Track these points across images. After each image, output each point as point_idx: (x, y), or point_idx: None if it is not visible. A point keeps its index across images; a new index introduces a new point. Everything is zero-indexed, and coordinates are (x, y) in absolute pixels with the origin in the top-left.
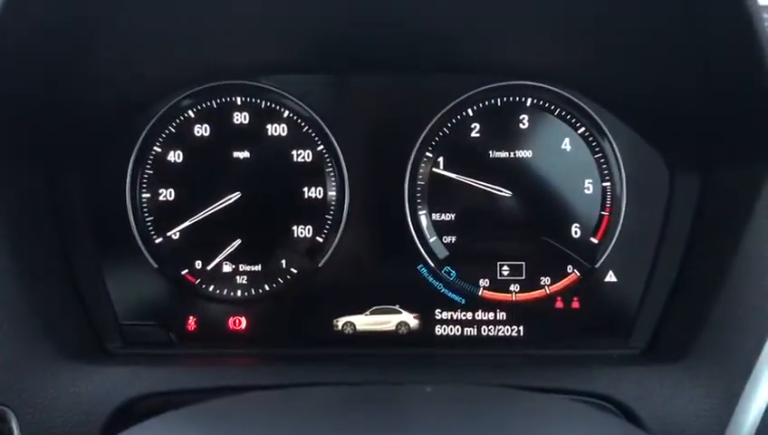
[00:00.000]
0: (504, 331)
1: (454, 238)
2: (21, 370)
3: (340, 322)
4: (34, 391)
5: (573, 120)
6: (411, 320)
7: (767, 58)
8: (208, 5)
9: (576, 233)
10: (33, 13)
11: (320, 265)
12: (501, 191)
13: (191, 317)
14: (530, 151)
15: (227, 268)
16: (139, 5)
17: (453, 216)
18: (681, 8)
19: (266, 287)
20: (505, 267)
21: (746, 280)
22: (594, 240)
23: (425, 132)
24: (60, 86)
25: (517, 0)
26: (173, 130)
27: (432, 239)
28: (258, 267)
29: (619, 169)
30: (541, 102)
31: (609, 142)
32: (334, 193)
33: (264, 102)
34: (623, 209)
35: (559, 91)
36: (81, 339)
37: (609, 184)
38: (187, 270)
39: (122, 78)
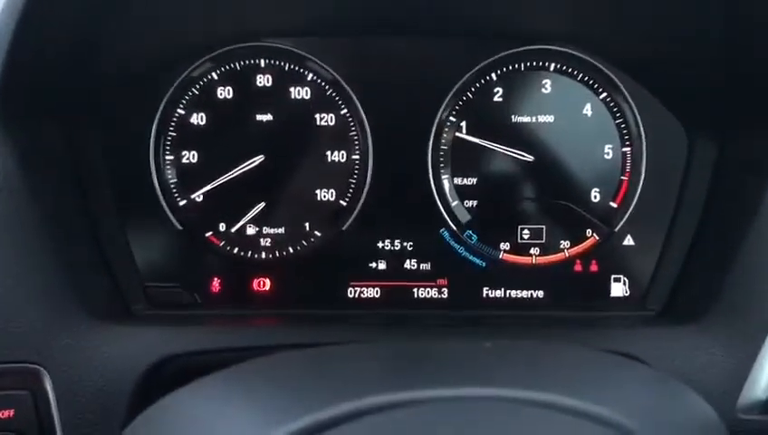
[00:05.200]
0: (524, 293)
1: (475, 202)
2: (52, 332)
3: (363, 283)
4: (66, 352)
5: (595, 86)
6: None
7: None
8: None
9: (596, 197)
10: None
11: (343, 229)
12: (522, 156)
13: (215, 279)
14: (552, 116)
15: (251, 231)
16: None
17: (475, 180)
18: None
19: (290, 250)
20: (526, 231)
21: (762, 243)
22: (613, 204)
23: (449, 97)
24: (86, 46)
25: None
26: (196, 92)
27: (454, 203)
28: (282, 230)
29: (640, 135)
30: (563, 68)
31: (630, 108)
32: (358, 157)
33: (287, 65)
34: (642, 175)
35: (582, 56)
36: (107, 301)
37: (629, 149)
38: (211, 232)
39: (147, 40)
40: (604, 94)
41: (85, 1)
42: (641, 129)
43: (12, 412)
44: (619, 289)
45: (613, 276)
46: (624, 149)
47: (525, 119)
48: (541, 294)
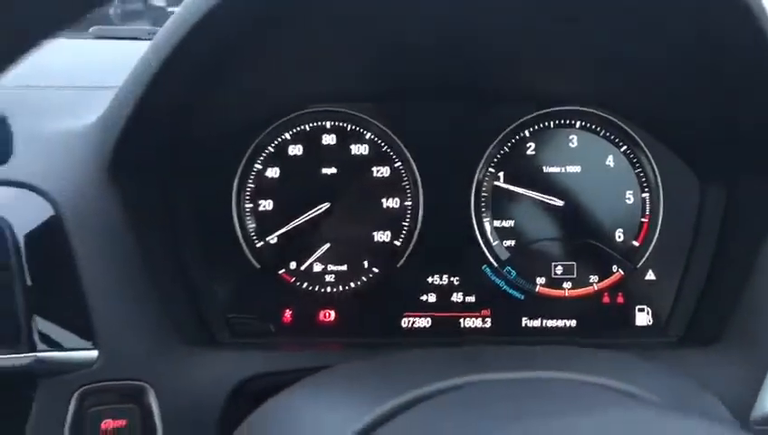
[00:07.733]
0: (559, 322)
1: (514, 242)
2: (154, 355)
3: (415, 314)
4: (166, 372)
5: (616, 140)
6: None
7: None
8: (310, 46)
9: (620, 237)
10: (189, 50)
11: (398, 266)
12: (554, 201)
13: (287, 311)
14: (578, 167)
15: (318, 268)
16: (252, 46)
17: (513, 222)
18: (703, 42)
19: (352, 284)
20: (559, 267)
21: None
22: (636, 243)
23: (488, 152)
24: (185, 114)
25: (570, 40)
26: (272, 150)
27: (495, 243)
28: (345, 267)
29: (657, 183)
30: (588, 125)
31: (648, 159)
32: (410, 204)
33: (349, 126)
34: (660, 217)
35: (603, 114)
36: (196, 330)
37: (647, 195)
38: (283, 270)
39: (234, 108)
40: (624, 147)
41: (190, 83)
42: (658, 177)
43: (125, 422)
44: (643, 318)
45: (637, 307)
46: (643, 195)
47: (555, 169)
48: (573, 323)
